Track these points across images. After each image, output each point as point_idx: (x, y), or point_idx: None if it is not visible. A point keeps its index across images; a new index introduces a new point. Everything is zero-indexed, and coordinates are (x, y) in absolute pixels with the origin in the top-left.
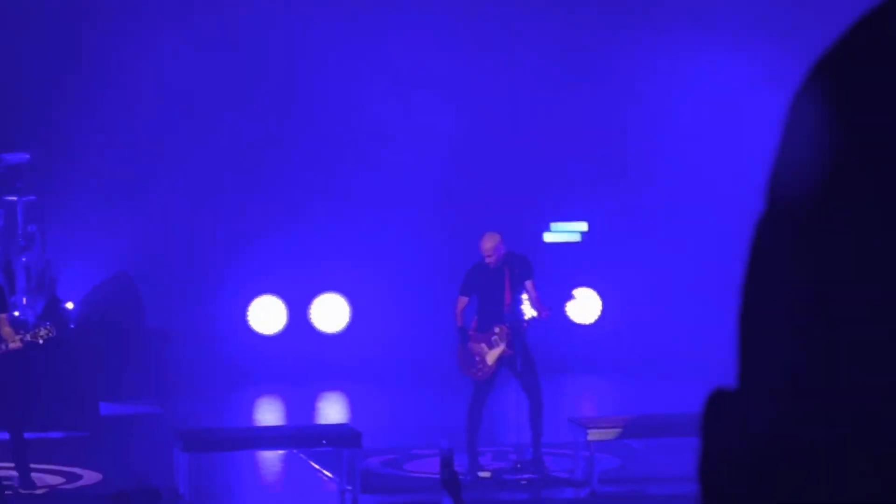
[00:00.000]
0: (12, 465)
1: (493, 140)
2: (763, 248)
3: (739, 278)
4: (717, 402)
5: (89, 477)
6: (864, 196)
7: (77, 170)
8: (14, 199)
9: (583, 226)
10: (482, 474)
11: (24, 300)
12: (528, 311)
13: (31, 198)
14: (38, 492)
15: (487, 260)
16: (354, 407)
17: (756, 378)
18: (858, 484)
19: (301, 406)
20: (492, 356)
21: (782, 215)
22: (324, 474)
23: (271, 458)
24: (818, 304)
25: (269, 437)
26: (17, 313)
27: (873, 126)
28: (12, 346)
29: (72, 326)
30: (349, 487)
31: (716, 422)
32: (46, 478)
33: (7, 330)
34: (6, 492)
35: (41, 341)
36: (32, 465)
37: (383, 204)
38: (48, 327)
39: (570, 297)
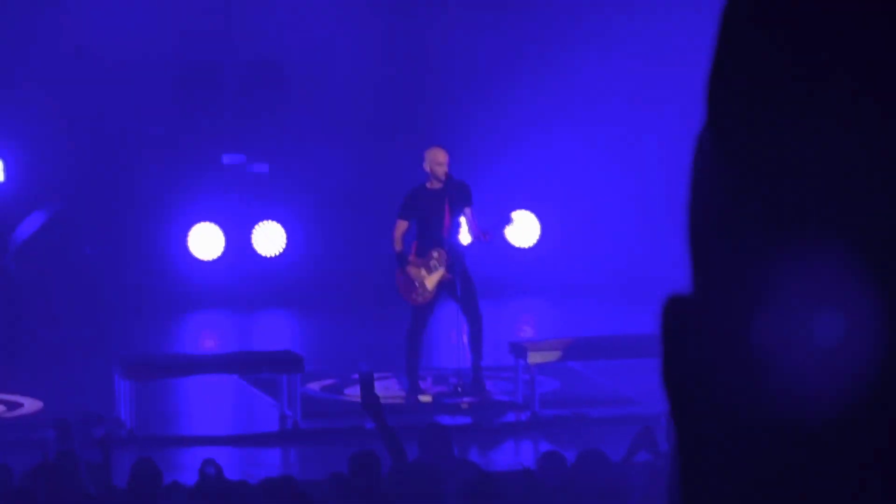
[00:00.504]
0: None
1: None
2: (703, 155)
3: (680, 198)
4: (674, 310)
5: (30, 405)
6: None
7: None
8: None
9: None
10: (423, 398)
11: None
12: (467, 236)
13: None
14: None
15: (439, 175)
16: (295, 332)
17: (704, 284)
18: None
19: (242, 332)
20: (431, 281)
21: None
22: (266, 400)
23: (213, 385)
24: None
25: (211, 363)
26: None
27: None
28: None
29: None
30: (290, 413)
31: (673, 330)
32: None
33: None
34: None
35: None
36: None
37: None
38: None
39: (508, 220)
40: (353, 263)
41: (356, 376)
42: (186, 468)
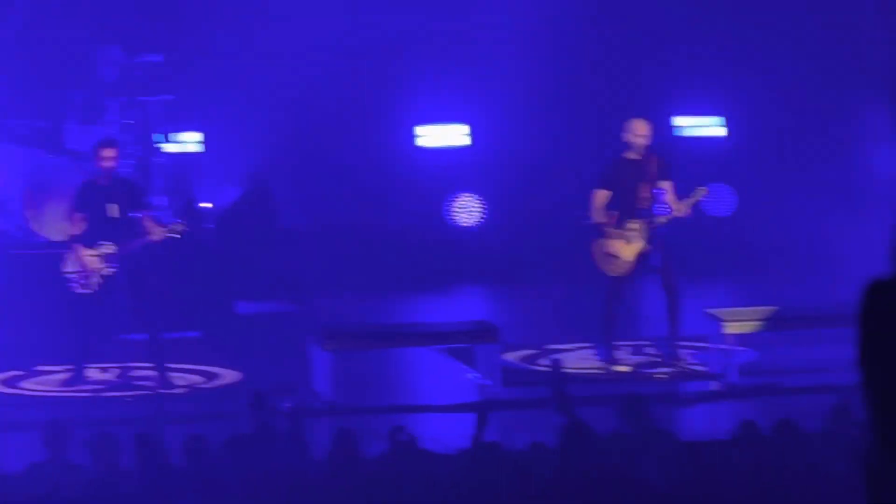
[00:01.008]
0: (151, 364)
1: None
2: None
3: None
4: (874, 292)
5: (228, 376)
6: None
7: (217, 74)
8: (150, 99)
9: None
10: (620, 368)
11: (160, 200)
12: (668, 207)
13: (168, 97)
14: (178, 391)
15: (640, 146)
16: (491, 303)
17: None
18: None
19: (438, 303)
20: (629, 252)
21: None
22: (463, 370)
23: (409, 355)
24: None
25: (407, 334)
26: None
27: None
28: (154, 237)
29: (209, 226)
30: (489, 383)
31: (873, 310)
32: (186, 376)
33: (148, 224)
34: (144, 392)
35: (176, 237)
36: (171, 365)
37: None
38: (182, 223)
39: (706, 192)
40: (549, 234)
41: (553, 346)
42: (384, 438)
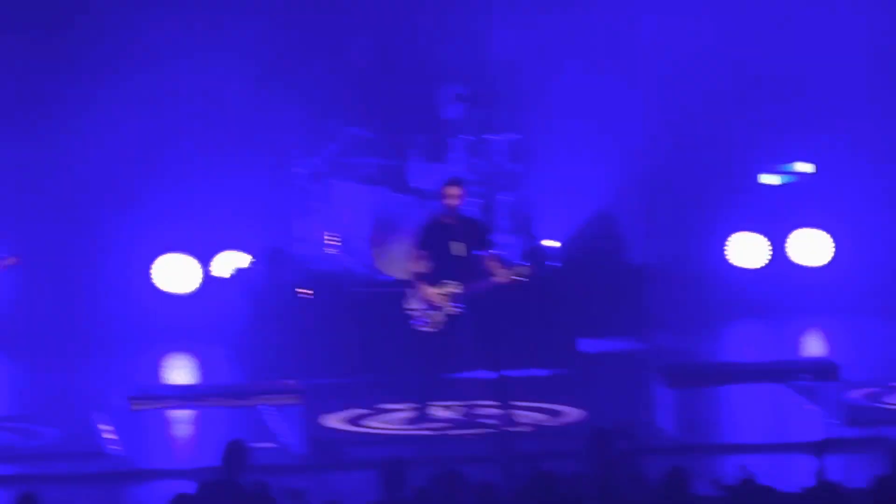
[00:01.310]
0: (496, 402)
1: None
2: None
3: None
4: None
5: (572, 414)
6: None
7: (560, 109)
8: (495, 137)
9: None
10: None
11: (504, 239)
12: None
13: (514, 136)
14: (522, 429)
15: None
16: (830, 339)
17: None
18: None
19: (776, 339)
20: None
21: None
22: (806, 408)
23: (751, 392)
24: None
25: (749, 371)
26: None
27: None
28: (501, 279)
29: (556, 265)
30: (834, 420)
31: None
32: (530, 415)
33: (493, 264)
34: (488, 430)
35: (521, 279)
36: (515, 403)
37: None
38: (527, 266)
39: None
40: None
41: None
42: (723, 475)
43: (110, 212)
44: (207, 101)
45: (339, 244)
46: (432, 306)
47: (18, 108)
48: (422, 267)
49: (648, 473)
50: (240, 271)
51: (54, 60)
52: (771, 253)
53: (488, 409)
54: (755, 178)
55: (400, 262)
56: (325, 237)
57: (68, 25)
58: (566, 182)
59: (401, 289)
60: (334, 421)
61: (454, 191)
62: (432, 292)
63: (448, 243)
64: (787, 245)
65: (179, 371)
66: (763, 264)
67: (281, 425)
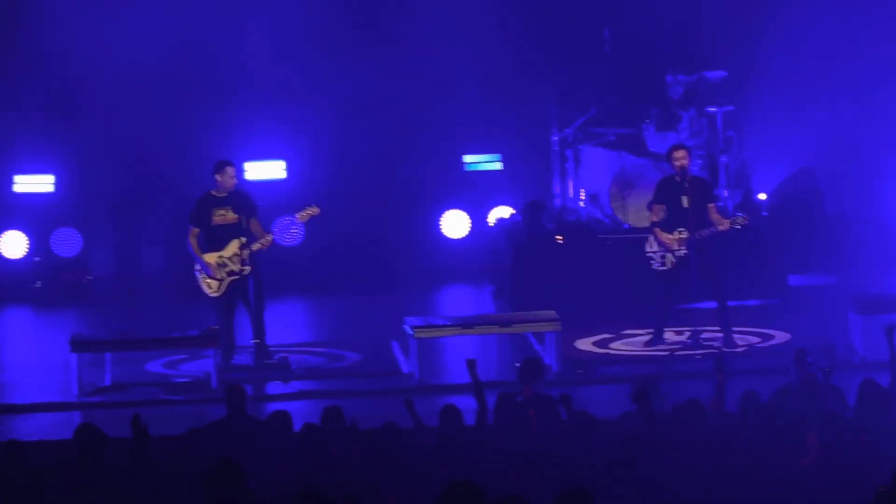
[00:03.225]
0: (719, 328)
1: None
2: None
3: None
4: None
5: (780, 336)
6: None
7: (768, 82)
8: (715, 110)
9: None
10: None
11: (725, 193)
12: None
13: (730, 108)
14: (739, 349)
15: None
16: None
17: None
18: None
19: None
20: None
21: None
22: None
23: None
24: None
25: None
26: (719, 204)
27: None
28: (722, 227)
29: (764, 214)
30: None
31: None
32: (746, 338)
33: (716, 215)
34: (712, 351)
35: (738, 227)
36: (734, 328)
37: None
38: (744, 216)
39: None
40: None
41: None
42: None
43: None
44: (489, 86)
45: (587, 199)
46: (667, 249)
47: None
48: (657, 217)
49: (842, 385)
50: (502, 221)
51: None
52: None
53: (712, 333)
54: None
55: (636, 213)
56: (577, 194)
57: None
58: (773, 145)
59: (639, 235)
60: (585, 344)
61: (681, 154)
62: (667, 238)
63: (679, 197)
64: None
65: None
66: None
67: (542, 346)
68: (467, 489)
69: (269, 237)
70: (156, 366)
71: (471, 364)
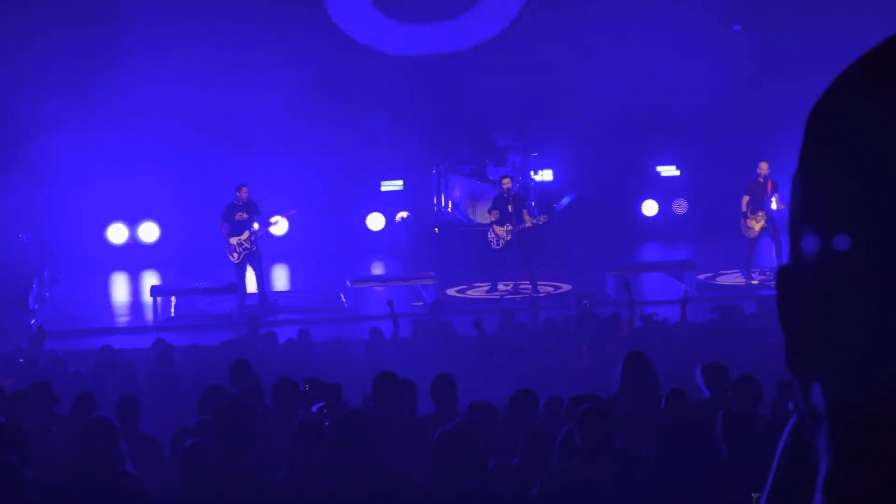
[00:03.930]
0: (529, 282)
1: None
2: (800, 184)
3: None
4: (784, 273)
5: (565, 287)
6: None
7: (557, 137)
8: (526, 155)
9: None
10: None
11: (531, 204)
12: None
13: (535, 154)
14: (542, 294)
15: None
16: None
17: (796, 258)
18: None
19: None
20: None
21: None
22: None
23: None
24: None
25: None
26: (530, 210)
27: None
28: (531, 224)
29: (559, 215)
30: None
31: (783, 285)
32: (546, 288)
33: (528, 216)
34: (526, 295)
35: (541, 224)
36: (539, 283)
37: None
38: (545, 217)
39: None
40: None
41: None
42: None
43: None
44: (398, 139)
45: (453, 207)
46: (498, 236)
47: None
48: (494, 217)
49: (599, 313)
50: (403, 220)
51: None
52: None
53: (525, 285)
54: None
55: (482, 215)
56: (447, 204)
57: None
58: (565, 176)
59: (483, 228)
60: (451, 292)
61: (507, 180)
62: (499, 230)
63: (507, 206)
64: None
65: (381, 268)
66: None
67: (426, 293)
68: (388, 377)
69: (270, 226)
70: (202, 304)
71: (389, 303)
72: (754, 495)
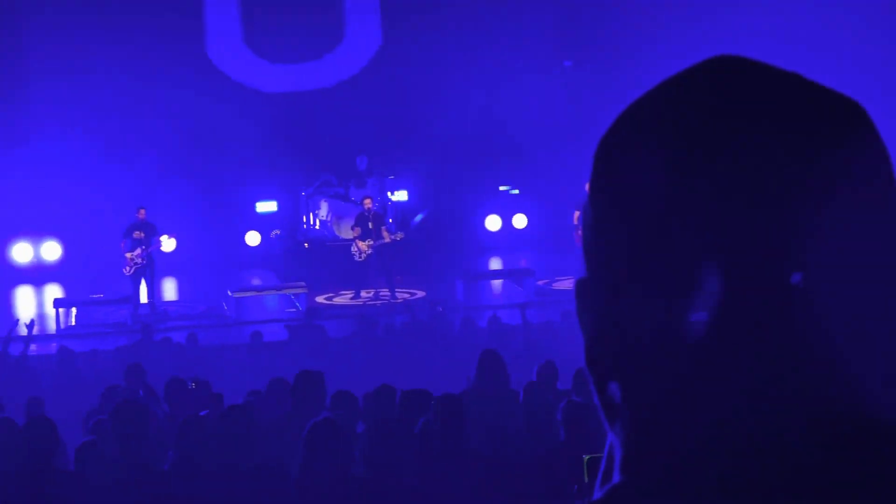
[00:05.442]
0: (387, 290)
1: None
2: (590, 208)
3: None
4: (579, 284)
5: (420, 294)
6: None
7: (414, 163)
8: (383, 178)
9: None
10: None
11: (389, 222)
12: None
13: (391, 177)
14: (398, 300)
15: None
16: None
17: (588, 271)
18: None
19: None
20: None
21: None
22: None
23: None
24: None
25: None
26: (388, 227)
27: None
28: (389, 240)
29: (414, 232)
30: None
31: (579, 294)
32: (402, 294)
33: (386, 233)
34: (385, 301)
35: (398, 240)
36: (396, 290)
37: None
38: (401, 234)
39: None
40: None
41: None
42: None
43: None
44: (272, 167)
45: (321, 224)
46: (361, 250)
47: None
48: (357, 233)
49: (453, 318)
50: (277, 236)
51: None
52: None
53: (384, 293)
54: None
55: (346, 231)
56: (316, 221)
57: None
58: (420, 194)
59: (347, 243)
60: (321, 299)
61: (368, 201)
62: (362, 245)
63: (367, 223)
64: None
65: (254, 279)
66: None
67: (298, 301)
68: (310, 374)
69: (157, 245)
70: (100, 314)
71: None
72: (586, 457)
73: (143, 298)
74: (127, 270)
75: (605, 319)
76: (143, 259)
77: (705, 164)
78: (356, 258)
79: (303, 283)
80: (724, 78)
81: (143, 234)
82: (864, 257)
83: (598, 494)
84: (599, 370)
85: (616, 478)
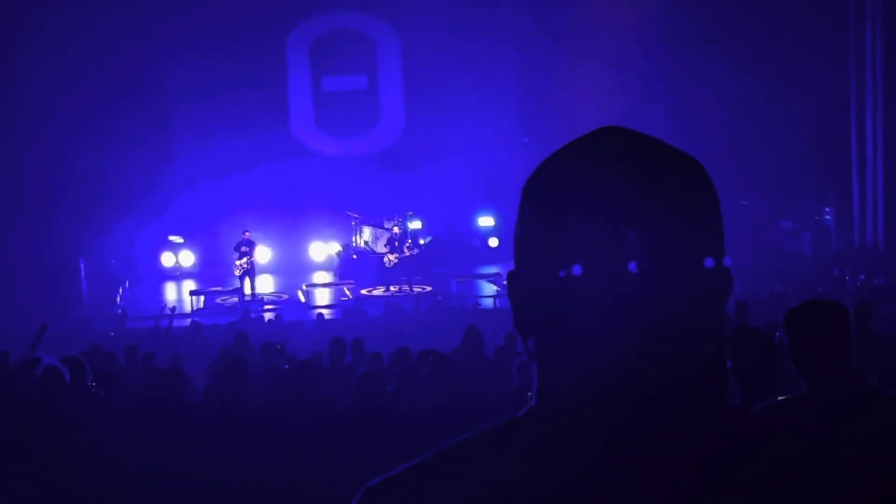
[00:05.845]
0: (407, 284)
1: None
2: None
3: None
4: (510, 274)
5: (428, 289)
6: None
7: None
8: (403, 216)
9: None
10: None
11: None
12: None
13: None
14: (417, 291)
15: None
16: None
17: (517, 264)
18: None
19: None
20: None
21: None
22: None
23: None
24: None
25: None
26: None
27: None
28: (405, 255)
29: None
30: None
31: (510, 282)
32: (417, 288)
33: (403, 250)
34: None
35: (410, 255)
36: (413, 283)
37: None
38: (416, 248)
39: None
40: None
41: None
42: None
43: None
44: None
45: (365, 243)
46: (390, 260)
47: None
48: (388, 249)
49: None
50: (339, 252)
51: None
52: None
53: (405, 288)
54: None
55: (381, 248)
56: (361, 241)
57: None
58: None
59: (381, 255)
60: (364, 291)
61: (396, 228)
62: (390, 256)
63: (395, 242)
64: None
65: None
66: None
67: (350, 292)
68: (357, 340)
69: (256, 255)
70: (217, 300)
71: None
72: (529, 393)
73: (247, 291)
74: (236, 272)
75: (520, 296)
76: (247, 265)
77: (572, 198)
78: (387, 266)
79: (352, 281)
80: (599, 140)
81: (248, 249)
82: (682, 254)
83: (520, 413)
84: (522, 331)
85: (533, 401)
